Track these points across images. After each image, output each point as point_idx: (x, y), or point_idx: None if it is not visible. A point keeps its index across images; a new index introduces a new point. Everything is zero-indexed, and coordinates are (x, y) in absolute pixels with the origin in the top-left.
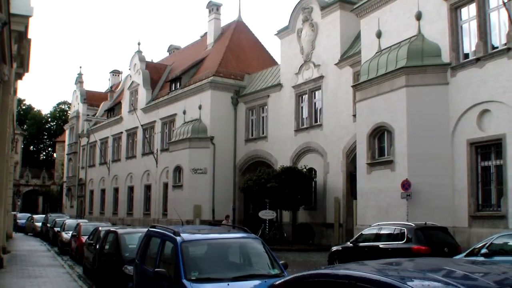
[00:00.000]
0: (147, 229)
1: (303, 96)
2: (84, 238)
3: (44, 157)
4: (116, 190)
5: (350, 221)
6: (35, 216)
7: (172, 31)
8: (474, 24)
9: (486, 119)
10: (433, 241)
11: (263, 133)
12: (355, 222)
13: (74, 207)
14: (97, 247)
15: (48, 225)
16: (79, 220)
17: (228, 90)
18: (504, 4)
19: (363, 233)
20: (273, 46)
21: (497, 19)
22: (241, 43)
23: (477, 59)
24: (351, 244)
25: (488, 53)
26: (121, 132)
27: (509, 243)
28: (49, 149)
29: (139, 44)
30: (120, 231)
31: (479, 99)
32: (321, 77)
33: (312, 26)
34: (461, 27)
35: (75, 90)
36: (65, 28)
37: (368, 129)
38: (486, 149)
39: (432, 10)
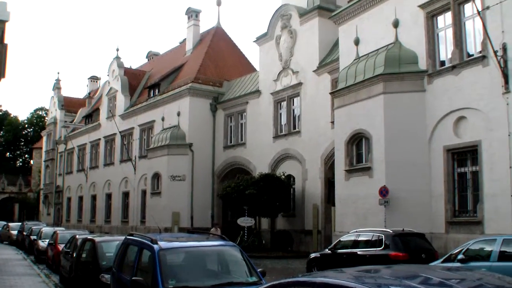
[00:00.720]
0: (124, 237)
1: (282, 103)
2: (61, 247)
3: (20, 164)
4: (94, 197)
5: (328, 228)
6: (10, 224)
7: (151, 37)
8: (450, 32)
9: (462, 126)
10: (411, 248)
11: (241, 139)
12: (333, 229)
13: (51, 214)
14: (74, 255)
15: (24, 233)
16: (56, 228)
17: (206, 96)
18: (479, 13)
19: (341, 240)
20: (252, 53)
21: (472, 27)
22: (220, 50)
23: (453, 67)
24: (329, 251)
25: (463, 60)
26: (99, 139)
27: (485, 249)
28: (26, 155)
29: (117, 50)
30: (97, 239)
31: (455, 106)
32: (300, 84)
33: (291, 33)
34: (438, 35)
35: (52, 96)
36: (43, 34)
37: (346, 136)
38: (462, 156)
39: (409, 18)
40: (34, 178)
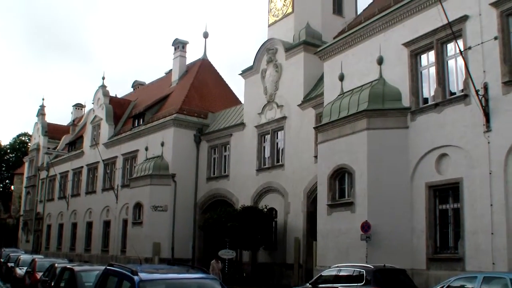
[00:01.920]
0: (104, 267)
1: (266, 136)
2: (39, 275)
3: (1, 189)
4: (74, 225)
5: (310, 262)
6: None
7: (137, 66)
8: (433, 71)
9: (444, 163)
10: (392, 283)
11: (225, 171)
12: (315, 263)
13: (30, 241)
14: (52, 284)
15: (2, 260)
16: (35, 256)
17: (191, 127)
18: (461, 52)
19: (322, 274)
20: (237, 85)
21: (455, 66)
22: (205, 81)
23: (436, 104)
24: (310, 285)
25: (446, 99)
26: (82, 167)
27: (465, 286)
28: (7, 181)
29: (103, 78)
30: (76, 268)
31: (438, 143)
32: (284, 117)
33: (276, 67)
34: (421, 72)
35: (36, 122)
36: (28, 59)
37: (329, 171)
38: (444, 192)
39: (393, 55)
40: (14, 204)
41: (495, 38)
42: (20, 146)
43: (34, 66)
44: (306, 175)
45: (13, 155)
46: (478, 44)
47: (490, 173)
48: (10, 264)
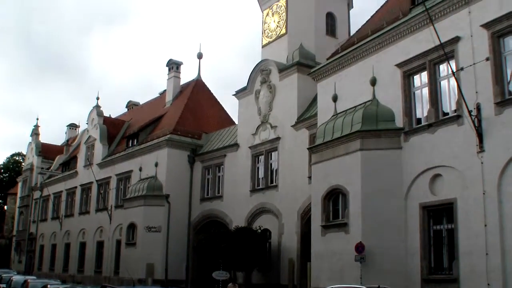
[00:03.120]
0: None
1: (260, 157)
2: None
3: None
4: (67, 246)
5: (304, 283)
6: None
7: (131, 87)
8: (426, 91)
9: (438, 183)
10: None
11: (218, 192)
12: (309, 284)
13: (22, 262)
14: None
15: None
16: (27, 277)
17: (185, 148)
18: (454, 73)
19: None
20: (231, 106)
21: (448, 87)
22: (199, 102)
23: (429, 125)
24: None
25: (439, 119)
26: (76, 187)
27: None
28: (0, 201)
29: (97, 99)
30: None
31: (431, 163)
32: (278, 138)
33: (270, 88)
34: (414, 93)
35: (30, 142)
36: (23, 78)
37: (323, 192)
38: (438, 213)
39: (386, 76)
40: (7, 224)
41: (487, 59)
42: (13, 166)
43: (29, 86)
44: (300, 196)
45: (7, 175)
46: (470, 65)
47: (483, 194)
48: (2, 285)
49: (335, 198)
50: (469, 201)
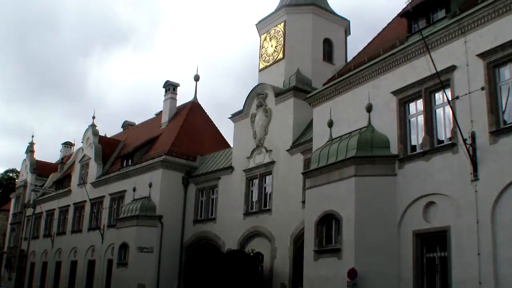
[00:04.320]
0: None
1: (254, 180)
2: None
3: None
4: (58, 264)
5: None
6: None
7: (128, 107)
8: (421, 119)
9: (431, 211)
10: None
11: (212, 215)
12: None
13: (12, 279)
14: None
15: None
16: None
17: (179, 169)
18: (449, 102)
19: None
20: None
21: (443, 115)
22: (195, 124)
23: (424, 153)
24: None
25: (434, 147)
26: (69, 205)
27: None
28: None
29: (93, 118)
30: None
31: (425, 191)
32: (272, 162)
33: (266, 112)
34: (409, 121)
35: (25, 159)
36: (19, 96)
37: (316, 217)
38: (431, 241)
39: (382, 103)
40: None
41: (482, 88)
42: (7, 182)
43: (25, 104)
44: (293, 221)
45: (0, 191)
46: (466, 94)
47: (477, 222)
48: None
49: (328, 223)
50: (462, 230)
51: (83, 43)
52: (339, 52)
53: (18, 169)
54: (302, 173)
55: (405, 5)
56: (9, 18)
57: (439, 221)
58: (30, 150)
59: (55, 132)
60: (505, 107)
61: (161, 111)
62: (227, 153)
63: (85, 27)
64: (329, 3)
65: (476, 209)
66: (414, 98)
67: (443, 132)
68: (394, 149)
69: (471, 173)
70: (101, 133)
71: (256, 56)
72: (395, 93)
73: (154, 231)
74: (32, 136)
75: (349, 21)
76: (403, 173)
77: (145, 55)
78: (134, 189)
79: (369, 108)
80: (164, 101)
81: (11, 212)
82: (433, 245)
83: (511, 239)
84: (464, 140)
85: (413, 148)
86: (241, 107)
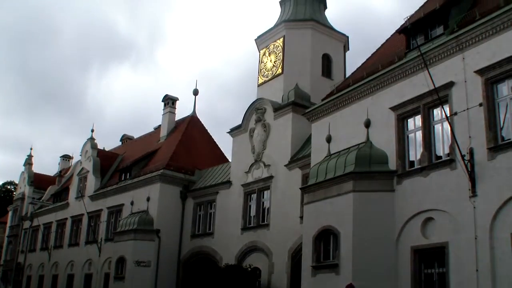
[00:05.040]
0: None
1: (252, 195)
2: None
3: None
4: (55, 278)
5: None
6: None
7: (126, 120)
8: (419, 135)
9: (430, 227)
10: None
11: (209, 229)
12: None
13: None
14: None
15: None
16: None
17: (177, 184)
18: (447, 118)
19: None
20: (225, 142)
21: (441, 131)
22: (193, 138)
23: (422, 168)
24: None
25: (432, 163)
26: (66, 218)
27: None
28: None
29: (92, 131)
30: None
31: (424, 207)
32: (271, 177)
33: (265, 127)
34: (408, 136)
35: (23, 172)
36: (19, 108)
37: (314, 232)
38: (429, 257)
39: (380, 119)
40: None
41: (480, 104)
42: (5, 194)
43: (24, 117)
44: (291, 236)
45: None
46: (464, 110)
47: (475, 238)
48: None
49: (326, 238)
50: (461, 246)
51: (82, 57)
52: (338, 67)
53: (16, 182)
54: (300, 188)
55: (404, 22)
56: (9, 31)
57: (438, 237)
58: (28, 162)
59: (54, 145)
60: (503, 123)
61: (159, 125)
62: (225, 168)
63: (85, 41)
64: (328, 19)
65: (475, 225)
66: (412, 114)
67: (442, 148)
68: (392, 164)
69: (469, 189)
70: (100, 147)
71: (255, 71)
72: (393, 108)
73: (152, 245)
74: (31, 149)
75: (348, 37)
76: (401, 188)
77: (144, 69)
78: (132, 203)
79: (367, 124)
80: (163, 115)
81: (8, 224)
82: (431, 261)
83: (509, 255)
84: (462, 156)
85: (412, 164)
86: (239, 122)
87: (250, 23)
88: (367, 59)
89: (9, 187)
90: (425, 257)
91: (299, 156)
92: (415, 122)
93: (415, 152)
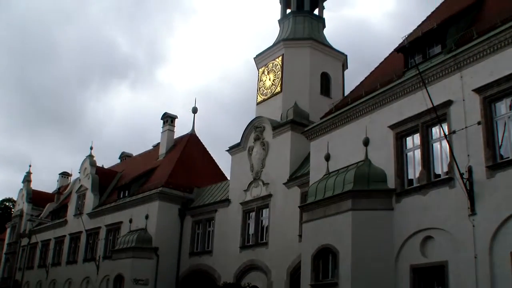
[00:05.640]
0: None
1: (251, 213)
2: None
3: None
4: None
5: None
6: None
7: (125, 138)
8: (418, 153)
9: (429, 246)
10: None
11: (208, 247)
12: None
13: None
14: None
15: None
16: None
17: (176, 202)
18: (446, 136)
19: None
20: (223, 160)
21: (440, 149)
22: (192, 156)
23: (421, 187)
24: None
25: (431, 181)
26: (64, 236)
27: None
28: None
29: (91, 148)
30: None
31: (423, 225)
32: (269, 195)
33: (263, 145)
34: (406, 155)
35: (21, 189)
36: (18, 125)
37: (313, 250)
38: (428, 275)
39: (379, 137)
40: None
41: (479, 123)
42: (3, 211)
43: (23, 134)
44: (290, 254)
45: None
46: (462, 129)
47: (475, 257)
48: None
49: (325, 257)
50: (460, 264)
51: (82, 75)
52: (337, 86)
53: (15, 199)
54: (299, 207)
55: (402, 41)
56: (9, 48)
57: (437, 256)
58: (27, 179)
59: (53, 162)
60: (502, 141)
61: (158, 143)
62: (224, 186)
63: (85, 59)
64: (326, 38)
65: (474, 244)
66: (411, 132)
67: (440, 167)
68: (391, 183)
69: (468, 208)
70: (99, 164)
71: (254, 89)
72: (392, 127)
73: (150, 263)
74: (29, 166)
75: (346, 56)
76: (400, 207)
77: (143, 86)
78: (130, 221)
79: (366, 142)
80: (162, 133)
81: (6, 241)
82: (430, 280)
83: (509, 274)
84: (461, 175)
85: (410, 182)
86: (238, 140)
87: (249, 41)
88: (366, 78)
89: (7, 204)
90: (425, 276)
91: (298, 175)
92: (413, 141)
93: (414, 171)
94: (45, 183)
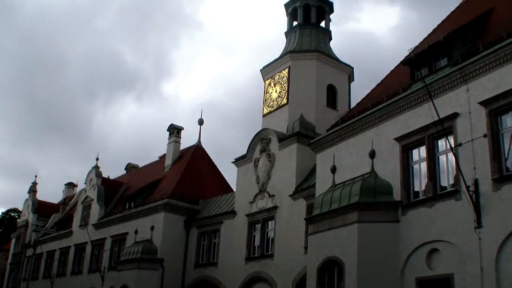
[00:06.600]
0: None
1: (256, 225)
2: None
3: None
4: None
5: None
6: None
7: (131, 149)
8: (424, 165)
9: (435, 258)
10: None
11: (213, 259)
12: None
13: None
14: None
15: None
16: None
17: (181, 213)
18: (452, 149)
19: None
20: (229, 171)
21: (446, 162)
22: (198, 168)
23: (427, 199)
24: None
25: (437, 193)
26: (70, 246)
27: None
28: None
29: (97, 159)
30: None
31: (429, 238)
32: (275, 207)
33: (269, 157)
34: (412, 167)
35: (27, 199)
36: (23, 136)
37: (318, 262)
38: None
39: (385, 149)
40: None
41: (485, 135)
42: (8, 221)
43: (29, 145)
44: (296, 266)
45: (1, 230)
46: (468, 141)
47: (481, 270)
48: None
49: (331, 269)
50: (466, 277)
51: (88, 87)
52: (343, 98)
53: (20, 209)
54: (305, 219)
55: (408, 53)
56: (16, 60)
57: (443, 269)
58: (32, 190)
59: (58, 173)
60: (508, 154)
61: (164, 154)
62: (229, 198)
63: (91, 71)
64: (333, 50)
65: (480, 256)
66: (417, 144)
67: (446, 179)
68: (397, 195)
69: (475, 220)
70: (104, 175)
71: (260, 101)
72: (398, 139)
73: (155, 274)
74: (35, 176)
75: (352, 68)
76: (406, 219)
77: (149, 98)
78: (136, 232)
79: (372, 154)
80: (168, 144)
81: (11, 252)
82: None
83: None
84: (467, 187)
85: (416, 194)
86: (244, 152)
87: (255, 54)
88: (372, 90)
89: (12, 214)
90: None
91: (304, 187)
92: (419, 153)
93: (420, 183)
94: (51, 193)
